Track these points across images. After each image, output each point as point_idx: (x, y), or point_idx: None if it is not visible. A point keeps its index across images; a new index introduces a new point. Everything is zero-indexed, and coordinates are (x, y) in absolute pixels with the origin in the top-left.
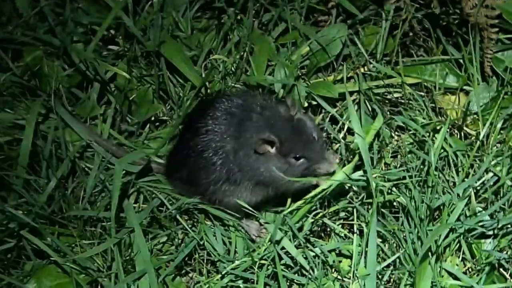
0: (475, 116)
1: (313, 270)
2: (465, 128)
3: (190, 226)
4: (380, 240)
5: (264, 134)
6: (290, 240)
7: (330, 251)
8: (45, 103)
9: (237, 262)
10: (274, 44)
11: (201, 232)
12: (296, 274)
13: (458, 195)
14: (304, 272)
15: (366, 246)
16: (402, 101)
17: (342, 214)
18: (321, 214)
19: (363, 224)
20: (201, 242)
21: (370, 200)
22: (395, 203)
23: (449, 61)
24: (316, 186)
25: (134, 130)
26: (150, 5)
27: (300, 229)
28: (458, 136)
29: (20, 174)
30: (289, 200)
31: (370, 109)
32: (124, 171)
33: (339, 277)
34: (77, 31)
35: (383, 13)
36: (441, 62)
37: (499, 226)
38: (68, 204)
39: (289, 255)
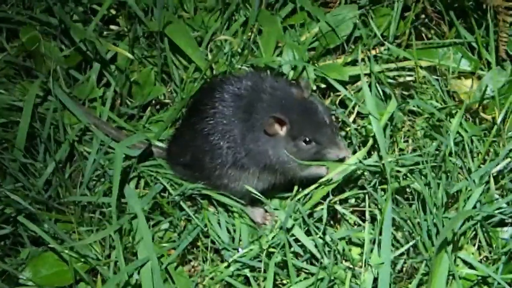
0: (488, 101)
1: (323, 259)
2: (481, 113)
3: (193, 213)
4: (393, 228)
5: (275, 113)
6: (300, 227)
7: (340, 239)
8: (42, 85)
9: (244, 250)
10: (281, 26)
11: (205, 218)
12: (305, 263)
13: (474, 181)
14: (313, 260)
15: (379, 234)
16: (414, 84)
17: (352, 201)
18: (333, 200)
19: (376, 211)
20: (205, 230)
21: (383, 186)
22: (408, 190)
23: (462, 44)
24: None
25: (135, 113)
26: None
27: (310, 216)
28: (471, 122)
29: (17, 157)
30: (295, 187)
31: (381, 92)
32: (123, 156)
33: (350, 266)
34: (77, 10)
35: None
36: (454, 46)
37: None
38: (66, 190)
39: (298, 243)
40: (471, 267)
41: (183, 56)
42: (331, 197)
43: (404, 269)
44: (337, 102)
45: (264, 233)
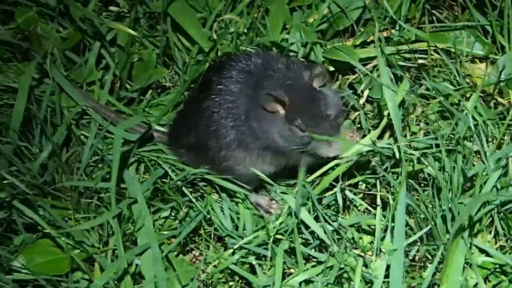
0: (502, 84)
1: (333, 246)
2: (497, 97)
3: (195, 199)
4: (406, 214)
5: (275, 91)
6: (309, 212)
7: (351, 226)
8: (38, 67)
9: (250, 237)
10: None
11: (208, 205)
12: (313, 250)
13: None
14: (321, 248)
15: (392, 219)
16: (427, 67)
17: (362, 187)
18: (343, 185)
19: (389, 196)
20: (208, 217)
21: (396, 170)
22: (421, 176)
23: (475, 27)
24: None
25: (135, 97)
26: None
27: (319, 202)
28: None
29: (12, 139)
30: (302, 171)
31: (392, 75)
32: (123, 140)
33: (361, 253)
34: None
35: None
36: (467, 29)
37: None
38: (62, 175)
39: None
40: (487, 255)
41: (186, 38)
42: (341, 182)
43: (417, 257)
44: (346, 85)
45: (271, 219)
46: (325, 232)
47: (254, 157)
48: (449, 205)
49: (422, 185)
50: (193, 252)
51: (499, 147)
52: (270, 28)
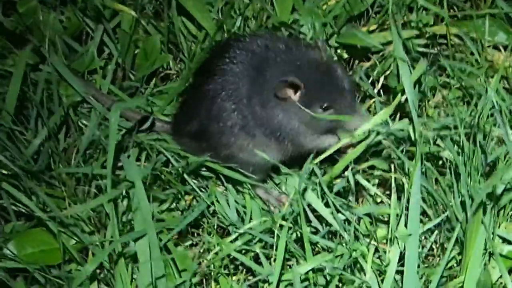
0: None
1: (343, 234)
2: None
3: (199, 189)
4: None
5: (289, 74)
6: (317, 196)
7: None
8: (38, 53)
9: (254, 222)
10: None
11: (212, 195)
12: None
13: None
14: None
15: (406, 205)
16: (446, 52)
17: (376, 173)
18: (355, 170)
19: (404, 179)
20: (211, 209)
21: (411, 149)
22: (439, 162)
23: (498, 15)
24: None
25: (138, 86)
26: None
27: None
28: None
29: (6, 122)
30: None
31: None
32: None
33: (373, 242)
34: None
35: None
36: (489, 17)
37: None
38: (58, 162)
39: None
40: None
41: (192, 23)
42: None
43: (434, 246)
44: (361, 73)
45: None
46: (334, 218)
47: (258, 144)
48: (468, 190)
49: (440, 172)
50: (195, 249)
51: None
52: (278, 11)
